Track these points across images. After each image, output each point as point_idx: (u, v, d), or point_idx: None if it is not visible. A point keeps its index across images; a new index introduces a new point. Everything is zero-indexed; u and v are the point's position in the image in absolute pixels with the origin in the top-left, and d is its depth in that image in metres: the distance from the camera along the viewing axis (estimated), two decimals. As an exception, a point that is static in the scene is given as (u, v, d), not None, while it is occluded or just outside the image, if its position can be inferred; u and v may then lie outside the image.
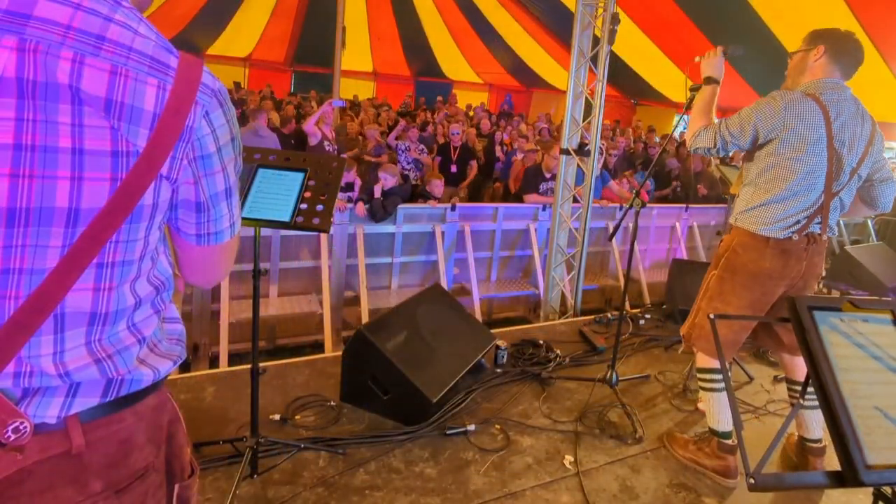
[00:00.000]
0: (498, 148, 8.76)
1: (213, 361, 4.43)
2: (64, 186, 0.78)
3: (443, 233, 5.36)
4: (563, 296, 5.32)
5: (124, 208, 0.82)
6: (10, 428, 0.78)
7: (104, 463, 0.88)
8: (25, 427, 0.79)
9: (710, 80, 2.45)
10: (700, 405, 3.20)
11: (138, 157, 0.82)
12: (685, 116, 2.56)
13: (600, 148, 4.90)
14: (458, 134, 7.12)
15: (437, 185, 5.59)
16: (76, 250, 0.80)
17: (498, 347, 3.49)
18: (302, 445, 2.55)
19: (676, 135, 7.62)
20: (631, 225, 3.04)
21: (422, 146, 7.30)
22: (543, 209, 5.84)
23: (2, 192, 0.75)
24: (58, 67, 0.76)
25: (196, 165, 0.90)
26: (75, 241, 0.80)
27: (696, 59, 2.60)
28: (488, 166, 8.55)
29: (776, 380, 3.63)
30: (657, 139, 11.00)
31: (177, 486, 1.01)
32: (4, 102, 0.74)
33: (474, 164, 7.22)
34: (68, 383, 0.84)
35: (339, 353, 3.07)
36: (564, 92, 5.04)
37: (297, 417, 2.83)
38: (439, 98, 13.78)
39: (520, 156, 7.38)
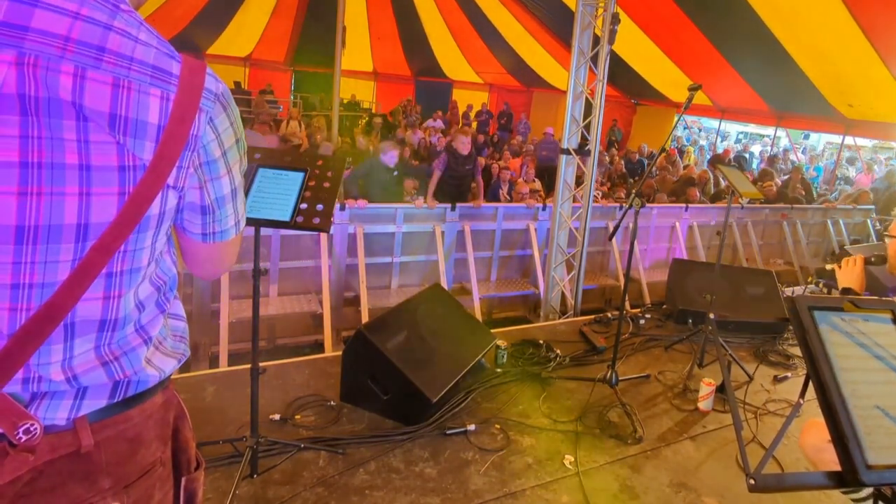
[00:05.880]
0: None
1: (213, 361, 4.42)
2: (72, 203, 0.77)
3: (443, 233, 5.36)
4: (563, 295, 5.32)
5: (132, 220, 0.82)
6: (21, 430, 0.79)
7: (113, 460, 0.89)
8: (36, 429, 0.80)
9: (849, 293, 2.13)
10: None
11: (145, 171, 0.82)
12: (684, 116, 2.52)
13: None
14: None
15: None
16: (86, 263, 0.80)
17: (498, 347, 3.49)
18: (302, 445, 2.55)
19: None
20: (631, 224, 3.05)
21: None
22: (543, 209, 5.84)
23: (10, 210, 0.75)
24: (59, 83, 0.75)
25: (202, 171, 0.90)
26: (85, 254, 0.80)
27: (829, 266, 2.38)
28: (485, 170, 8.63)
29: (776, 379, 3.63)
30: (645, 147, 11.02)
31: (183, 479, 1.03)
32: (7, 119, 0.73)
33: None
34: (76, 388, 0.85)
35: (339, 353, 3.07)
36: (564, 92, 5.04)
37: (297, 417, 2.83)
38: (439, 112, 13.72)
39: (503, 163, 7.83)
